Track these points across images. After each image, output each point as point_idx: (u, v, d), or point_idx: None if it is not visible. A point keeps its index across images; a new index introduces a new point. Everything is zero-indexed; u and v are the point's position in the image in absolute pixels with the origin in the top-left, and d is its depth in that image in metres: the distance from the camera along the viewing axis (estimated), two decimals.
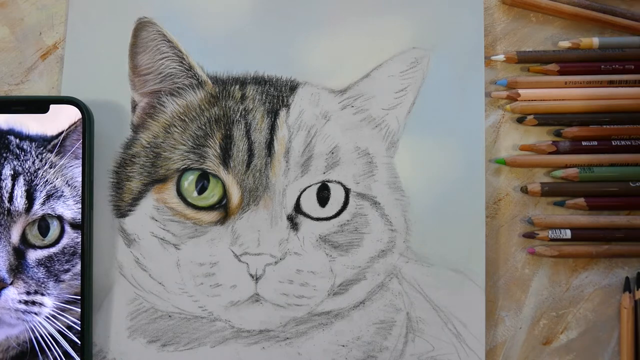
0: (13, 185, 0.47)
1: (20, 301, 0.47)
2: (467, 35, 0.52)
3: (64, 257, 0.48)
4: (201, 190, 0.49)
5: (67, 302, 0.48)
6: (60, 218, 0.48)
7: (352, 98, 0.51)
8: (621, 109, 0.51)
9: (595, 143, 0.51)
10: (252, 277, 0.49)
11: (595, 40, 0.52)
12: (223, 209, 0.50)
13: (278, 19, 0.52)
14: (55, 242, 0.48)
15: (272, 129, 0.50)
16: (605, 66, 0.51)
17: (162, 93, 0.51)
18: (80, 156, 0.49)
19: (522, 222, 0.51)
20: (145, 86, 0.51)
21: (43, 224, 0.48)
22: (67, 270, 0.48)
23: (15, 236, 0.47)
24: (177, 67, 0.51)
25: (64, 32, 0.53)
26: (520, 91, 0.51)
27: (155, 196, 0.50)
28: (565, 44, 0.52)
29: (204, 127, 0.50)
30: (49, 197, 0.48)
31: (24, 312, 0.47)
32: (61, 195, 0.48)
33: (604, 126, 0.51)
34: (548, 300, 0.51)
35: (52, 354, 0.48)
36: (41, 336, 0.47)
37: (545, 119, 0.51)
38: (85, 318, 0.48)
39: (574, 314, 0.51)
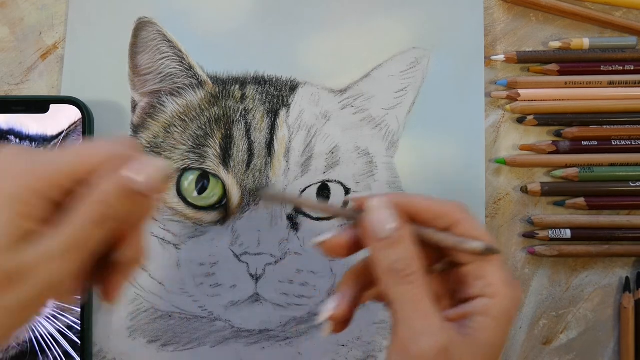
0: None
1: None
2: (467, 35, 0.52)
3: None
4: (201, 190, 0.49)
5: None
6: None
7: (352, 98, 0.51)
8: (621, 110, 0.51)
9: (595, 143, 0.51)
10: (252, 277, 0.49)
11: (585, 41, 0.52)
12: (223, 208, 0.50)
13: (278, 19, 0.52)
14: None
15: (272, 128, 0.50)
16: (606, 67, 0.51)
17: (162, 93, 0.51)
18: None
19: (522, 222, 0.51)
20: (145, 86, 0.51)
21: None
22: None
23: None
24: (177, 67, 0.51)
25: (64, 32, 0.53)
26: (520, 91, 0.51)
27: None
28: (555, 44, 0.52)
29: (204, 127, 0.50)
30: None
31: None
32: None
33: (604, 127, 0.51)
34: (548, 300, 0.51)
35: (52, 353, 0.48)
36: (41, 336, 0.47)
37: (545, 119, 0.51)
38: (86, 318, 0.48)
39: (573, 314, 0.51)
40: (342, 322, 0.35)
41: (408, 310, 0.31)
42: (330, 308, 0.34)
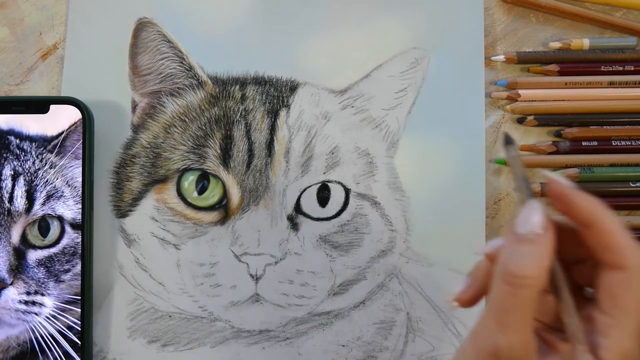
0: (13, 186, 0.47)
1: (20, 301, 0.47)
2: (467, 35, 0.52)
3: (64, 257, 0.48)
4: (201, 190, 0.49)
5: (68, 302, 0.48)
6: (60, 218, 0.48)
7: (352, 98, 0.51)
8: (621, 110, 0.51)
9: (596, 144, 0.51)
10: (252, 277, 0.49)
11: (585, 41, 0.52)
12: (223, 209, 0.50)
13: (278, 19, 0.52)
14: (55, 243, 0.48)
15: (272, 129, 0.50)
16: (606, 67, 0.51)
17: (162, 93, 0.51)
18: (80, 156, 0.49)
19: None
20: (145, 86, 0.51)
21: (43, 224, 0.48)
22: (67, 271, 0.48)
23: (15, 236, 0.47)
24: (177, 67, 0.51)
25: (64, 32, 0.53)
26: (521, 92, 0.51)
27: (156, 196, 0.50)
28: (555, 44, 0.52)
29: (204, 128, 0.50)
30: (49, 197, 0.48)
31: (24, 312, 0.47)
32: (61, 195, 0.48)
33: (604, 127, 0.51)
34: None
35: (52, 354, 0.48)
36: (41, 336, 0.47)
37: (545, 119, 0.51)
38: (86, 318, 0.48)
39: None
40: (469, 303, 0.34)
41: (492, 308, 0.30)
42: (456, 291, 0.34)
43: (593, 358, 0.29)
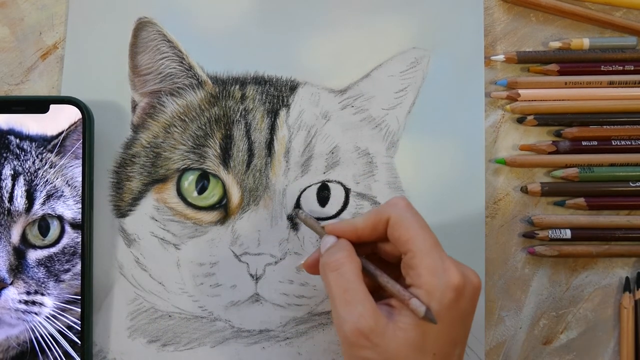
0: (13, 185, 0.47)
1: (20, 301, 0.47)
2: (467, 35, 0.52)
3: (64, 257, 0.48)
4: (201, 190, 0.50)
5: (67, 302, 0.48)
6: (60, 218, 0.48)
7: (352, 98, 0.51)
8: (621, 110, 0.51)
9: (595, 143, 0.51)
10: (252, 277, 0.49)
11: (585, 41, 0.52)
12: (223, 209, 0.50)
13: (278, 19, 0.52)
14: (55, 242, 0.48)
15: (272, 129, 0.50)
16: (606, 67, 0.51)
17: (162, 93, 0.51)
18: (80, 156, 0.49)
19: (522, 222, 0.51)
20: (145, 86, 0.51)
21: (43, 224, 0.48)
22: (67, 270, 0.48)
23: (15, 236, 0.47)
24: (177, 67, 0.51)
25: (64, 32, 0.53)
26: (520, 91, 0.51)
27: (156, 196, 0.50)
28: (555, 44, 0.52)
29: (204, 127, 0.50)
30: (49, 197, 0.48)
31: (24, 312, 0.47)
32: (61, 195, 0.48)
33: (604, 127, 0.51)
34: (548, 300, 0.51)
35: (52, 354, 0.48)
36: (41, 336, 0.48)
37: (545, 119, 0.51)
38: (86, 318, 0.48)
39: (573, 314, 0.51)
40: (310, 268, 0.44)
41: (334, 297, 0.38)
42: (303, 260, 0.44)
43: (415, 297, 0.37)
